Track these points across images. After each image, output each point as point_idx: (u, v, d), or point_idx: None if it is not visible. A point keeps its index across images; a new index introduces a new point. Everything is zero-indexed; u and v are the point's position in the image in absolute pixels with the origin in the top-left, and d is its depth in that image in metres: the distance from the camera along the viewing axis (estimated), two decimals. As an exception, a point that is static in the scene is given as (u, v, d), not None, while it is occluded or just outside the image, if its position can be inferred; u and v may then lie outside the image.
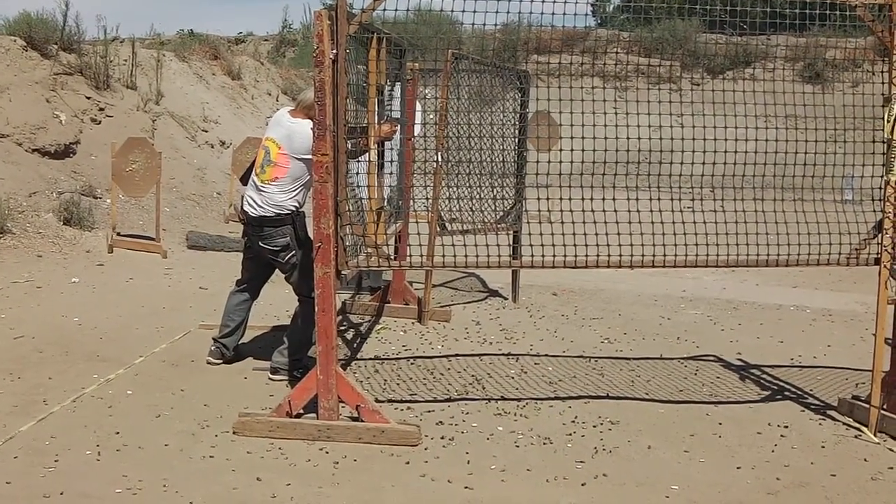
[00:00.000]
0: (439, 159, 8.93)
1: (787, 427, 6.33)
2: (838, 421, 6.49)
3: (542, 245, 6.44)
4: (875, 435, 6.21)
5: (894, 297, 6.22)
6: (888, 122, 6.07)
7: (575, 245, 6.41)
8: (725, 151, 7.06)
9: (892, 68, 6.11)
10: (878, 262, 6.24)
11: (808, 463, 5.74)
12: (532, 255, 6.55)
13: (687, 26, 26.52)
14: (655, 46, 27.87)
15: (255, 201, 6.97)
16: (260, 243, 7.04)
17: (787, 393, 7.11)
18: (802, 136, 6.93)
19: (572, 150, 7.04)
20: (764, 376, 7.51)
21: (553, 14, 6.58)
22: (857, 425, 6.39)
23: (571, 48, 26.22)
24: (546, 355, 7.99)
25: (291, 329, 7.21)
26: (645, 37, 28.11)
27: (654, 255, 6.53)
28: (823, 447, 6.03)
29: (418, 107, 9.85)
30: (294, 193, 6.92)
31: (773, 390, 7.18)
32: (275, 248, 6.99)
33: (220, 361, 7.47)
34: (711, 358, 8.00)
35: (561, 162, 7.32)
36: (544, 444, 5.95)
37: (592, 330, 8.95)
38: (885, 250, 6.17)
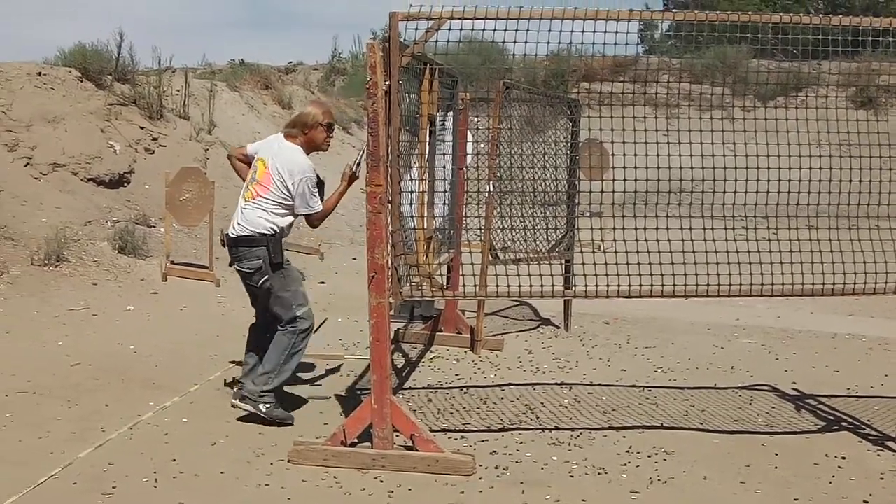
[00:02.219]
0: (491, 188, 8.96)
1: (844, 458, 6.25)
2: (896, 452, 6.42)
3: (595, 274, 6.44)
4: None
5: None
6: None
7: (629, 274, 6.41)
8: (779, 180, 7.05)
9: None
10: (937, 291, 6.19)
11: (867, 495, 5.66)
12: (585, 285, 6.56)
13: (736, 52, 26.42)
14: (705, 73, 27.77)
15: (235, 221, 6.84)
16: (235, 265, 6.90)
17: (843, 423, 7.03)
18: (856, 163, 6.89)
19: (625, 179, 7.02)
20: (820, 406, 7.43)
21: (600, 43, 6.58)
22: None
23: (620, 76, 26.21)
24: (599, 384, 7.96)
25: (266, 358, 6.84)
26: (694, 63, 28.03)
27: (707, 284, 6.50)
28: (882, 479, 5.94)
29: (469, 136, 9.90)
30: (273, 215, 6.72)
31: (829, 421, 7.10)
32: (248, 271, 6.76)
33: (247, 406, 6.91)
34: (766, 387, 7.93)
35: (613, 191, 7.34)
36: (599, 474, 5.92)
37: (645, 359, 8.90)
38: (945, 279, 6.11)
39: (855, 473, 6.02)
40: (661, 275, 6.47)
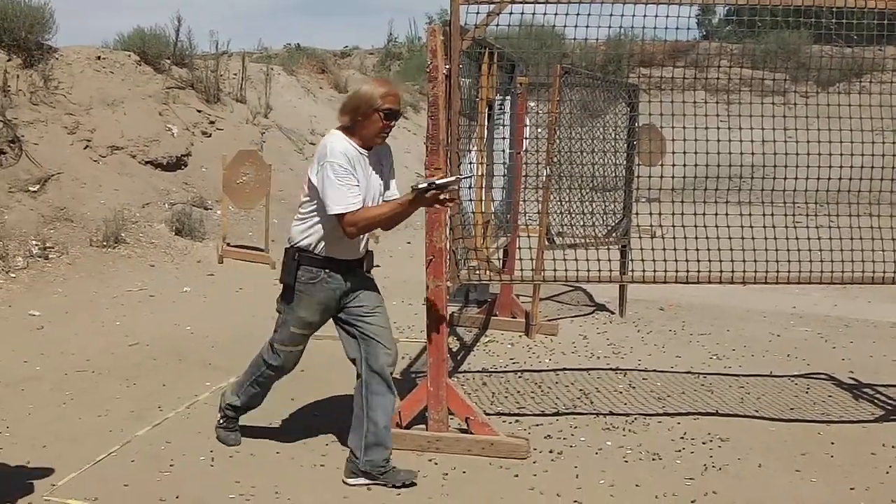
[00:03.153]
0: (548, 172, 8.94)
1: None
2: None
3: (652, 260, 6.43)
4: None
5: None
6: None
7: (686, 260, 6.39)
8: (839, 166, 6.98)
9: None
10: None
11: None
12: (643, 270, 6.55)
13: (796, 38, 26.15)
14: (763, 58, 27.50)
15: None
16: None
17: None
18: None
19: (683, 164, 7.00)
20: (878, 395, 7.35)
21: (658, 28, 6.58)
22: None
23: (677, 61, 26.03)
24: (654, 370, 7.93)
25: (248, 367, 5.96)
26: (753, 48, 27.75)
27: (766, 272, 6.48)
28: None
29: (527, 121, 9.89)
30: (310, 225, 5.37)
31: (887, 410, 7.02)
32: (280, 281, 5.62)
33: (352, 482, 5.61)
34: (823, 376, 7.85)
35: (671, 177, 7.30)
36: (653, 459, 5.91)
37: (701, 345, 8.86)
38: None
39: None
40: (719, 261, 6.45)
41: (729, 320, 10.00)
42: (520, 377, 7.65)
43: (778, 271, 6.47)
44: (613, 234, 9.84)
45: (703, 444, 6.20)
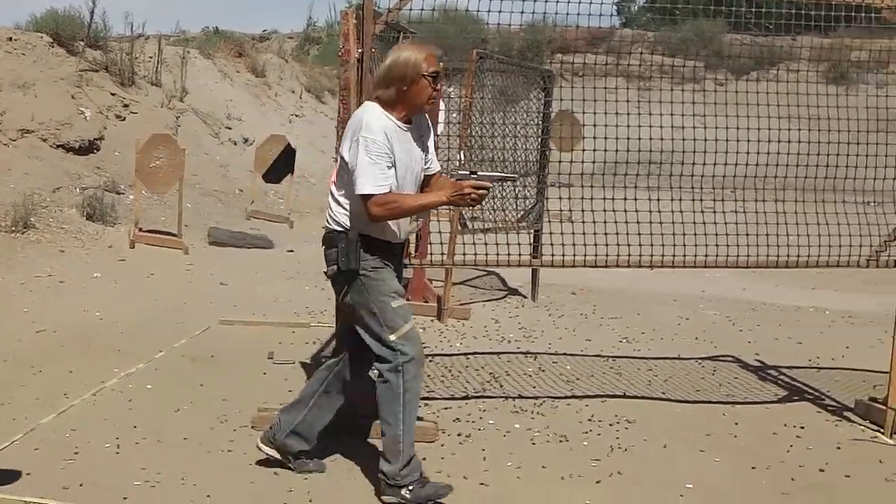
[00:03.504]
0: (462, 158, 8.96)
1: (803, 428, 6.32)
2: (854, 423, 6.49)
3: (563, 244, 6.48)
4: (891, 437, 6.21)
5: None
6: None
7: (595, 245, 6.45)
8: (748, 152, 7.09)
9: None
10: (896, 264, 6.25)
11: (823, 464, 5.72)
12: (553, 255, 6.60)
13: (712, 26, 26.48)
14: (680, 46, 27.83)
15: None
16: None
17: (804, 394, 7.11)
18: (825, 138, 6.95)
19: (594, 150, 7.08)
20: (781, 377, 7.50)
21: (578, 14, 6.63)
22: (873, 427, 6.39)
23: (595, 48, 26.23)
24: (564, 354, 8.01)
25: (382, 421, 5.01)
26: (670, 37, 28.08)
27: (673, 256, 6.56)
28: (839, 448, 6.02)
29: (442, 106, 9.90)
30: (350, 207, 4.93)
31: (790, 391, 7.17)
32: (329, 278, 5.15)
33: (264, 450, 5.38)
34: (729, 358, 8.00)
35: (583, 162, 7.37)
36: (560, 441, 5.96)
37: (611, 329, 8.96)
38: (905, 252, 6.18)
39: (813, 443, 6.08)
40: (629, 245, 6.52)
41: (639, 304, 10.14)
42: (430, 361, 7.66)
43: (685, 255, 6.56)
44: (527, 219, 9.90)
45: (611, 425, 6.27)
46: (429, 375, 7.24)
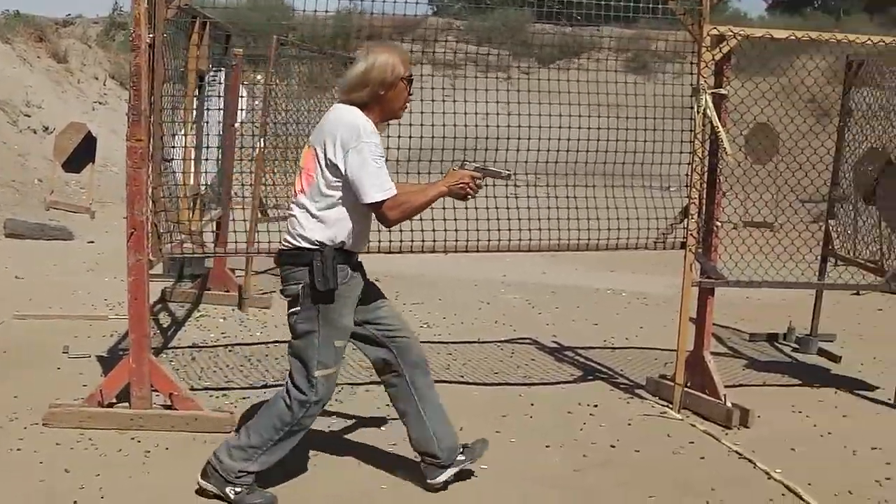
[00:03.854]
0: (262, 145, 8.88)
1: (596, 406, 6.52)
2: (646, 399, 6.73)
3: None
4: (679, 412, 6.47)
5: (698, 280, 6.47)
6: (698, 112, 6.30)
7: (401, 230, 6.50)
8: (557, 139, 7.25)
9: (700, 60, 6.33)
10: (683, 245, 6.49)
11: (615, 440, 5.94)
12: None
13: (519, 16, 26.90)
14: (488, 35, 28.16)
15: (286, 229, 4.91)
16: (280, 291, 4.95)
17: (598, 374, 7.33)
18: (626, 125, 7.16)
19: (402, 137, 7.10)
20: (577, 358, 7.72)
21: (384, 2, 6.68)
22: (663, 403, 6.63)
23: (404, 35, 26.32)
24: (365, 341, 8.01)
25: (254, 426, 4.93)
26: (478, 26, 28.39)
27: (478, 241, 6.68)
28: (630, 425, 6.24)
29: (244, 93, 9.78)
30: (325, 219, 4.66)
31: (585, 371, 7.39)
32: (287, 299, 4.85)
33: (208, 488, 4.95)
34: (528, 341, 8.18)
35: (388, 148, 7.38)
36: (358, 427, 5.99)
37: (412, 314, 9.02)
38: (690, 234, 6.41)
39: (605, 420, 6.30)
40: (434, 231, 6.62)
41: (441, 289, 10.25)
42: (230, 351, 7.61)
43: (489, 240, 6.68)
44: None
45: (409, 411, 6.32)
46: (227, 365, 7.20)
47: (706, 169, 6.44)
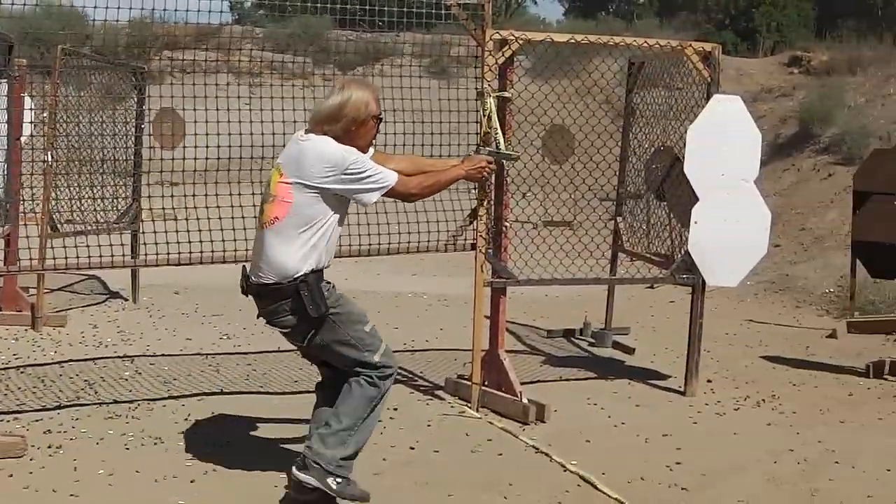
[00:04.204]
0: (50, 158, 8.61)
1: (396, 409, 6.54)
2: (445, 400, 6.81)
3: (168, 242, 6.45)
4: (477, 411, 6.57)
5: (489, 280, 6.58)
6: (483, 115, 6.40)
7: (201, 241, 6.46)
8: None
9: (483, 65, 6.45)
10: (473, 247, 6.59)
11: (414, 442, 5.99)
12: (156, 254, 6.54)
13: (319, 23, 26.85)
14: (288, 42, 28.02)
15: (255, 261, 5.01)
16: (268, 323, 5.13)
17: (398, 377, 7.33)
18: (428, 129, 7.23)
19: (207, 146, 7.02)
20: (375, 360, 7.74)
21: (186, 10, 6.58)
22: (462, 403, 6.72)
23: (203, 44, 25.94)
24: (163, 355, 7.91)
25: (338, 412, 4.97)
26: (278, 33, 28.20)
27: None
28: (429, 426, 6.31)
29: (30, 104, 9.48)
30: (305, 245, 4.80)
31: (386, 374, 7.42)
32: (284, 330, 5.07)
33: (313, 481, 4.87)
34: (328, 348, 8.16)
35: (186, 159, 7.29)
36: (155, 444, 5.88)
37: (213, 326, 8.93)
38: (480, 236, 6.52)
39: (405, 422, 6.34)
40: (235, 241, 6.56)
41: (241, 300, 10.02)
42: (22, 373, 7.35)
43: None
44: (125, 219, 9.66)
45: (208, 423, 6.26)
46: (19, 388, 6.97)
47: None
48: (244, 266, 5.18)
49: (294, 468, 4.93)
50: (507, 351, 6.56)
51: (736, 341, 9.07)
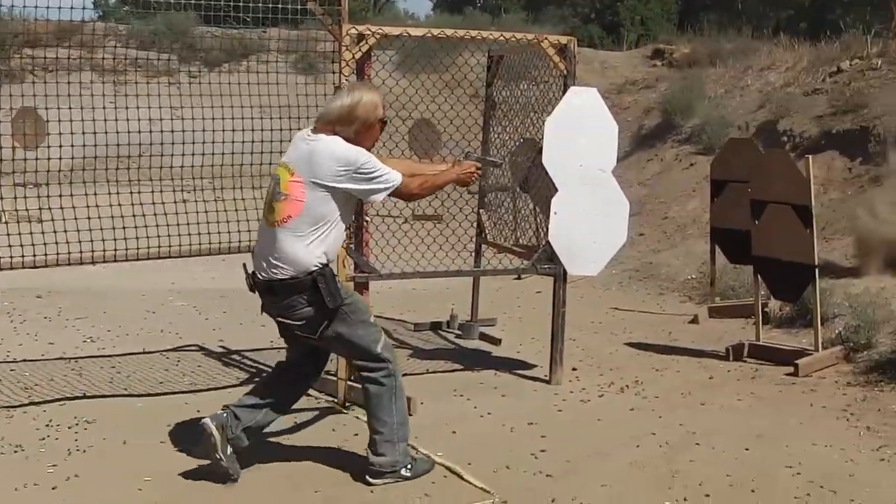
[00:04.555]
0: None
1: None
2: (311, 396, 6.77)
3: (33, 244, 6.37)
4: (344, 406, 6.60)
5: (352, 275, 6.60)
6: None
7: (69, 242, 6.34)
8: (218, 142, 7.21)
9: (341, 59, 6.46)
10: (338, 242, 6.60)
11: (281, 438, 5.99)
12: (14, 256, 6.40)
13: (184, 19, 26.48)
14: (152, 39, 27.56)
15: (263, 257, 5.17)
16: (279, 317, 5.26)
17: (264, 374, 7.32)
18: (296, 125, 7.22)
19: (72, 145, 6.88)
20: (244, 361, 7.73)
21: (46, 7, 6.48)
22: (328, 398, 6.75)
23: (65, 42, 25.36)
24: (24, 360, 7.72)
25: (373, 421, 5.38)
26: (141, 30, 27.73)
27: (137, 248, 6.62)
28: (296, 422, 6.28)
29: None
30: (317, 240, 5.06)
31: (251, 373, 7.42)
32: (298, 323, 5.19)
33: (214, 432, 5.26)
34: (194, 348, 8.11)
35: (50, 159, 7.17)
36: (15, 452, 5.77)
37: (76, 330, 8.76)
38: (344, 231, 6.53)
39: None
40: (103, 240, 6.52)
41: (107, 302, 9.96)
42: None
43: (149, 247, 6.59)
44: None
45: (69, 428, 6.15)
46: None
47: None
48: (244, 264, 5.43)
49: (368, 477, 5.33)
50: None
51: (601, 329, 9.22)
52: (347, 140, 5.09)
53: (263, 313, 5.41)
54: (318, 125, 5.17)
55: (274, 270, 5.08)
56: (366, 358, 5.30)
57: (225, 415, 5.31)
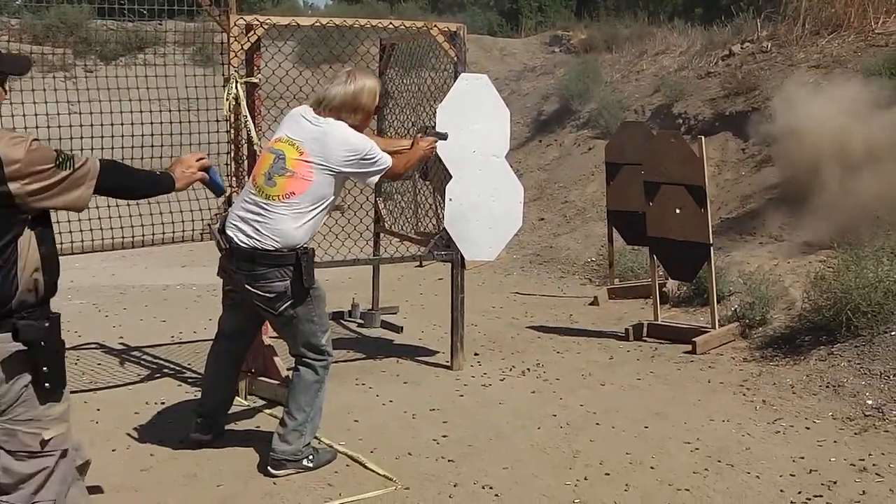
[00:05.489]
0: None
1: (163, 403, 6.52)
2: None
3: None
4: (246, 398, 6.57)
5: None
6: (226, 100, 6.39)
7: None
8: (116, 136, 7.12)
9: (229, 50, 6.42)
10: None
11: (182, 434, 5.89)
12: None
13: (78, 12, 26.03)
14: (46, 33, 27.06)
15: (249, 226, 5.16)
16: (247, 285, 5.20)
17: (166, 370, 7.31)
18: (194, 117, 7.14)
19: None
20: (144, 357, 7.65)
21: None
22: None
23: (-47, 38, 24.76)
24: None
25: (290, 406, 5.43)
26: (35, 24, 27.21)
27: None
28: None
29: None
30: (308, 221, 5.19)
31: (152, 369, 7.35)
32: (267, 295, 5.19)
33: (209, 437, 5.73)
34: (94, 345, 8.01)
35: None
36: None
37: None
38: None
39: (172, 416, 6.30)
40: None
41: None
42: None
43: (61, 244, 6.45)
44: None
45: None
46: None
47: (246, 155, 6.54)
48: (210, 225, 5.73)
49: (270, 469, 5.35)
50: (273, 337, 6.53)
51: (503, 314, 9.30)
52: (353, 127, 5.28)
53: (220, 276, 5.55)
54: (322, 110, 5.25)
55: (260, 240, 5.12)
56: (311, 345, 5.39)
57: (202, 422, 5.74)
